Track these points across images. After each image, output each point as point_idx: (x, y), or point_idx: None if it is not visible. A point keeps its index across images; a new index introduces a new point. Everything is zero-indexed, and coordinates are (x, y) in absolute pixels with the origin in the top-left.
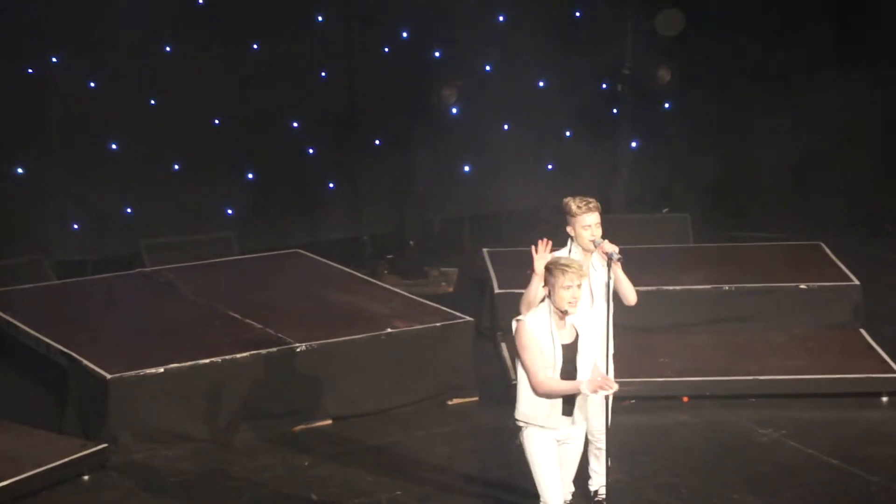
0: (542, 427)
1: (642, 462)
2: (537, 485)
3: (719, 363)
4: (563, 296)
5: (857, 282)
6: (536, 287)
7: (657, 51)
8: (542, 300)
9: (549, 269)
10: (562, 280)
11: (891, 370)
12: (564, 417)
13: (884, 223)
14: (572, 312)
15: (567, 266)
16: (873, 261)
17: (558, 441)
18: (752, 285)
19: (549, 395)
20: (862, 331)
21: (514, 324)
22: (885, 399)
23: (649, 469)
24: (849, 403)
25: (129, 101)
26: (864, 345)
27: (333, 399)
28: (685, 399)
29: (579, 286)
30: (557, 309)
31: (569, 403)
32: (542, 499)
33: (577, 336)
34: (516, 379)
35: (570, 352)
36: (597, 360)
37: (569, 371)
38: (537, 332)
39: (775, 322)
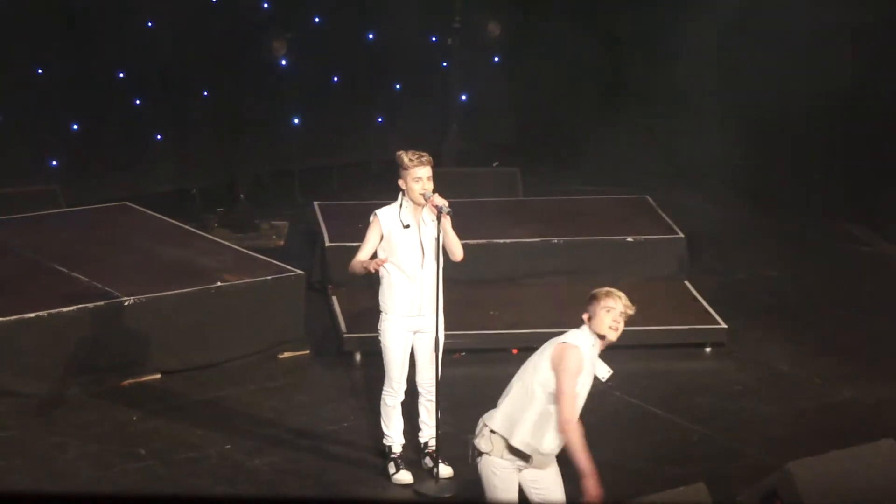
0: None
1: (472, 414)
2: None
3: (548, 315)
4: (605, 320)
5: (681, 235)
6: (361, 270)
7: (487, 5)
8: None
9: (595, 294)
10: (606, 302)
11: (714, 321)
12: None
13: (710, 174)
14: (612, 338)
15: (617, 298)
16: (698, 213)
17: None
18: (580, 238)
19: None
20: (687, 283)
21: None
22: (708, 350)
23: (478, 421)
24: (673, 354)
25: None
26: (688, 297)
27: (162, 353)
28: (514, 351)
29: (622, 314)
30: (596, 335)
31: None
32: None
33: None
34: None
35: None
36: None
37: None
38: (586, 361)
39: (602, 275)
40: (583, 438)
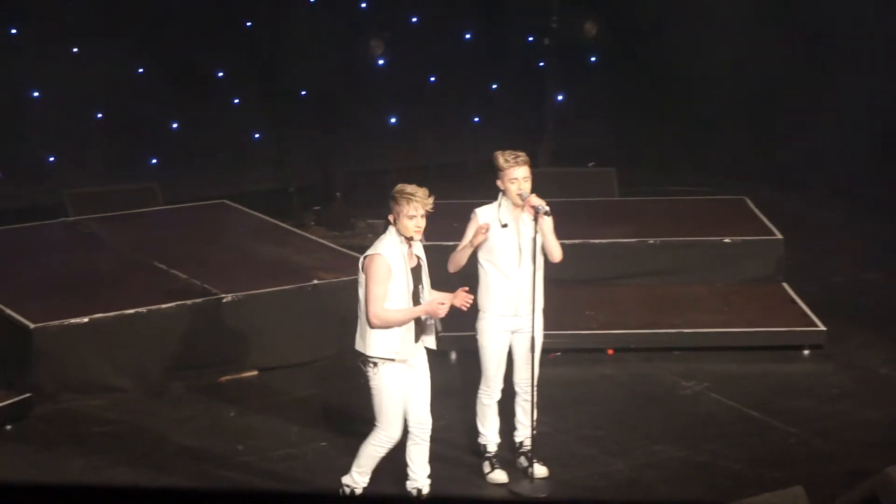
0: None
1: (567, 414)
2: (384, 417)
3: (643, 316)
4: (408, 225)
5: (779, 236)
6: (466, 254)
7: (584, 4)
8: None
9: (395, 196)
10: (406, 209)
11: (812, 324)
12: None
13: (809, 176)
14: (417, 240)
15: (412, 195)
16: (796, 215)
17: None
18: (677, 239)
19: (388, 326)
20: (784, 284)
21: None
22: (806, 352)
23: (574, 421)
24: (771, 356)
25: (50, 48)
26: (786, 298)
27: (259, 350)
28: (610, 352)
29: (423, 216)
30: (403, 236)
31: (418, 328)
32: (386, 432)
33: (419, 263)
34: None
35: (416, 277)
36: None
37: (415, 295)
38: (392, 262)
39: (699, 276)
40: (393, 311)
